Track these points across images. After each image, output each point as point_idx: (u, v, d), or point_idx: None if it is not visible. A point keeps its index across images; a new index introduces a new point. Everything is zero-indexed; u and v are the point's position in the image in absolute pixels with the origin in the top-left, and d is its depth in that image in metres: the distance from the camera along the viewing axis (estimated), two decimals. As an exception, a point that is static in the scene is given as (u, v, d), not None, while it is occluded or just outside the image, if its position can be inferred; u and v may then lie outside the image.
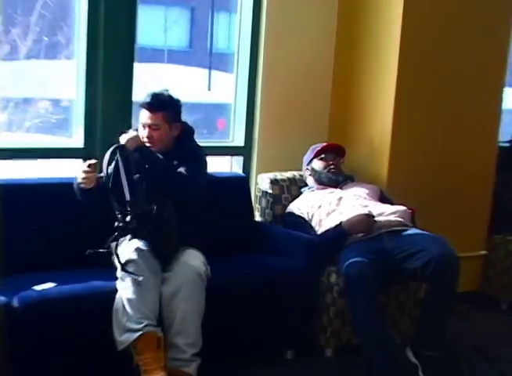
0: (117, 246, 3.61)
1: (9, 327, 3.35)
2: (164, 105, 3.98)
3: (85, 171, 3.71)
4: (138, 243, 3.61)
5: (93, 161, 3.74)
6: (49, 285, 3.56)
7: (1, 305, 3.37)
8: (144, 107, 3.97)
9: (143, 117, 3.98)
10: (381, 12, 4.87)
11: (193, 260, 3.69)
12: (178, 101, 4.07)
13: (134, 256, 3.52)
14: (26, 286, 3.52)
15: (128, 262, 3.52)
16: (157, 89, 4.04)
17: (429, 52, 4.88)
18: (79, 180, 3.74)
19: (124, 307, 3.46)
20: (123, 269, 3.51)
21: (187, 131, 4.14)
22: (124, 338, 3.45)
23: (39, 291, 3.51)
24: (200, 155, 4.14)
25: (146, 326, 3.44)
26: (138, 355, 3.44)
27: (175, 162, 3.96)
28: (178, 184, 3.88)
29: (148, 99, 3.96)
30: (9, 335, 3.35)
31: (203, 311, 3.61)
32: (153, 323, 3.49)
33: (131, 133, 3.85)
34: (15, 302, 3.40)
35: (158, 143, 3.96)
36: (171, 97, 4.03)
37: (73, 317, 3.49)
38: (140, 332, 3.42)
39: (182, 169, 3.91)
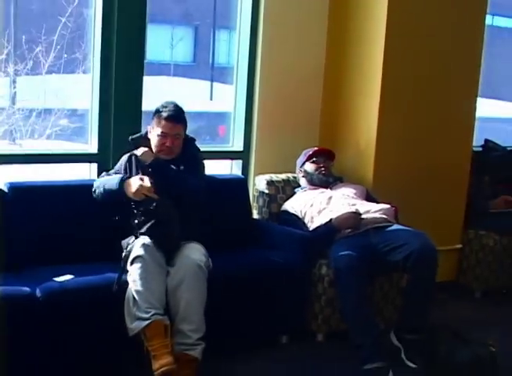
0: (127, 245, 3.68)
1: (32, 316, 3.34)
2: (183, 117, 4.00)
3: (147, 189, 3.71)
4: (144, 239, 3.61)
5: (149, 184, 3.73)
6: (68, 277, 3.55)
7: (25, 295, 3.36)
8: (168, 119, 3.92)
9: (166, 127, 3.92)
10: (366, 29, 4.86)
11: (194, 253, 3.68)
12: None
13: (141, 252, 3.52)
14: (46, 278, 3.51)
15: (135, 257, 3.52)
16: (170, 101, 4.02)
17: (410, 66, 4.87)
18: (133, 190, 3.72)
19: (134, 298, 3.46)
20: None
21: (190, 139, 4.13)
22: (134, 326, 3.44)
23: (60, 282, 3.50)
24: (201, 161, 4.16)
25: (153, 314, 3.43)
26: (148, 341, 3.43)
27: (182, 167, 3.96)
28: (186, 189, 3.90)
29: (172, 112, 3.93)
30: (32, 323, 3.34)
31: (205, 299, 3.59)
32: (161, 312, 3.48)
33: (142, 149, 3.90)
34: (38, 292, 3.39)
35: (176, 151, 3.98)
36: (183, 109, 4.03)
37: (90, 306, 3.49)
38: (149, 321, 3.41)
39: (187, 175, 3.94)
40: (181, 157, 4.00)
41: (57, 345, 3.44)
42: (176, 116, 3.94)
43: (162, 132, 3.92)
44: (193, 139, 4.15)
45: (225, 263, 3.92)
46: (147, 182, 3.73)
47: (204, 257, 3.72)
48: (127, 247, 3.68)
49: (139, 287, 3.46)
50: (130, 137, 4.05)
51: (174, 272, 3.59)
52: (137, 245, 3.58)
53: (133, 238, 3.72)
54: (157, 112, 3.97)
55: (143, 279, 3.48)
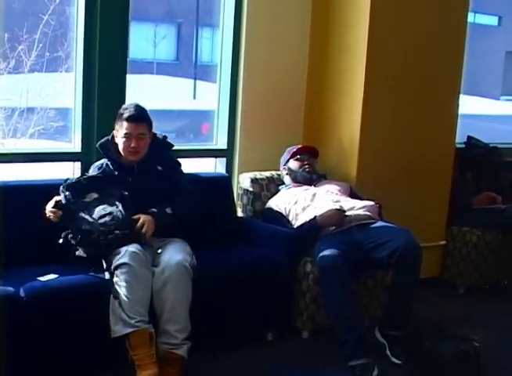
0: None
1: (15, 316, 3.32)
2: (146, 116, 3.95)
3: (52, 211, 3.68)
4: (130, 247, 3.59)
5: (59, 198, 3.69)
6: (52, 276, 3.54)
7: (9, 295, 3.34)
8: (130, 120, 3.86)
9: (129, 128, 3.87)
10: (349, 28, 4.86)
11: (178, 253, 3.67)
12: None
13: (127, 259, 3.50)
14: (30, 277, 3.49)
15: (122, 264, 3.50)
16: (132, 102, 3.99)
17: (393, 64, 4.88)
18: (48, 215, 3.70)
19: (119, 301, 3.44)
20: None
21: (162, 137, 4.09)
22: (117, 328, 3.43)
23: (43, 281, 3.48)
24: (176, 160, 4.16)
25: (138, 321, 3.42)
26: (132, 350, 3.43)
27: (159, 168, 3.97)
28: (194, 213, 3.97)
29: (133, 112, 3.88)
30: (16, 323, 3.32)
31: (190, 299, 3.59)
32: (146, 319, 3.46)
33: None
34: (22, 292, 3.38)
35: (142, 152, 3.92)
36: (144, 108, 3.97)
37: (74, 305, 3.48)
38: (133, 328, 3.41)
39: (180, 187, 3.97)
40: (153, 157, 3.98)
41: (41, 345, 3.43)
42: (137, 116, 3.89)
43: (125, 134, 3.87)
44: (165, 137, 4.12)
45: (210, 261, 3.93)
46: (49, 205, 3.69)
47: (189, 256, 3.72)
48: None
49: (126, 293, 3.44)
50: (97, 144, 4.03)
51: (159, 273, 3.57)
52: (123, 251, 3.54)
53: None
54: (119, 115, 3.92)
55: (130, 286, 3.46)
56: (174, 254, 3.65)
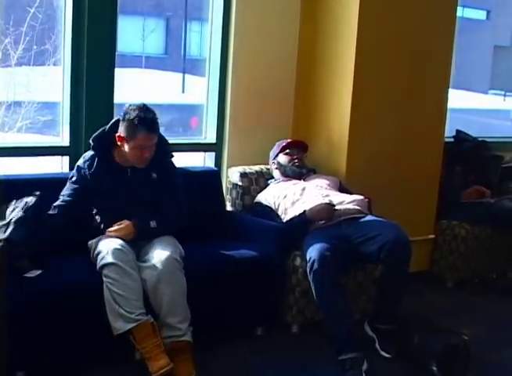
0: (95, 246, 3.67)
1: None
2: (157, 123, 3.75)
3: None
4: (112, 243, 3.59)
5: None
6: (37, 272, 3.49)
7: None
8: (146, 131, 3.65)
9: (146, 140, 3.66)
10: (338, 23, 4.85)
11: (166, 248, 3.65)
12: None
13: (111, 259, 3.49)
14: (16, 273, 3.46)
15: (107, 264, 3.49)
16: (143, 106, 3.72)
17: (382, 58, 4.88)
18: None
19: (114, 298, 3.45)
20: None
21: (161, 146, 3.88)
22: (118, 325, 3.44)
23: (30, 277, 3.46)
24: (172, 163, 4.03)
25: (138, 315, 3.44)
26: (139, 344, 3.45)
27: (154, 175, 3.84)
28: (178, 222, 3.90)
29: (149, 123, 3.66)
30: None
31: (185, 289, 3.60)
32: (143, 311, 3.48)
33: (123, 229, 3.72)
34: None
35: (149, 159, 3.78)
36: (153, 110, 3.75)
37: (64, 302, 3.48)
38: (135, 323, 3.43)
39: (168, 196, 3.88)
40: (151, 163, 3.82)
41: (32, 341, 3.43)
42: (154, 126, 3.70)
43: (140, 145, 3.67)
44: (167, 144, 3.99)
45: (199, 255, 3.93)
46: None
47: (176, 247, 3.71)
48: (95, 248, 3.67)
49: (118, 291, 3.45)
50: (92, 137, 3.86)
51: (151, 270, 3.56)
52: (105, 251, 3.54)
53: (98, 239, 3.71)
54: (131, 122, 3.65)
55: (120, 282, 3.46)
56: (163, 250, 3.64)
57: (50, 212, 3.74)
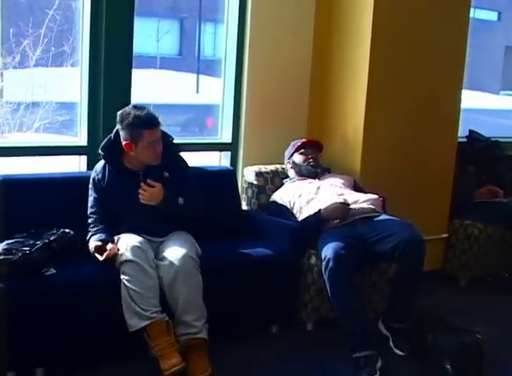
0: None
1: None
2: (157, 118, 3.73)
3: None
4: (131, 240, 3.61)
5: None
6: (52, 271, 3.51)
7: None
8: (150, 126, 3.64)
9: (153, 135, 3.66)
10: (353, 23, 4.86)
11: (182, 246, 3.67)
12: None
13: (130, 256, 3.52)
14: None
15: (126, 261, 3.52)
16: (136, 106, 3.72)
17: (396, 60, 4.88)
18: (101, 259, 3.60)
19: (130, 296, 3.47)
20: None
21: (167, 142, 3.86)
22: (134, 322, 3.47)
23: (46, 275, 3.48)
24: (185, 164, 4.01)
25: (153, 313, 3.46)
26: (153, 341, 3.47)
27: (166, 174, 3.82)
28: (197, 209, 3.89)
29: (149, 117, 3.65)
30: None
31: (201, 287, 3.61)
32: (159, 309, 3.51)
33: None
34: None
35: (160, 157, 3.78)
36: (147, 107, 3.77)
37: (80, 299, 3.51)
38: (150, 320, 3.45)
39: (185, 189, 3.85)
40: (162, 162, 3.81)
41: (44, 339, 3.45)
42: (154, 119, 3.68)
43: (150, 142, 3.67)
44: (172, 139, 3.93)
45: (215, 254, 3.94)
46: (111, 249, 3.60)
47: (193, 245, 3.73)
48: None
49: (135, 288, 3.47)
50: (100, 148, 3.82)
51: (168, 268, 3.57)
52: (124, 248, 3.56)
53: (118, 237, 3.72)
54: (131, 125, 3.63)
55: (137, 279, 3.48)
56: (179, 248, 3.65)
57: (91, 231, 3.75)
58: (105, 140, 3.87)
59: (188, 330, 3.54)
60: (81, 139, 4.45)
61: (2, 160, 4.25)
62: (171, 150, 3.89)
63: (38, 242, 3.53)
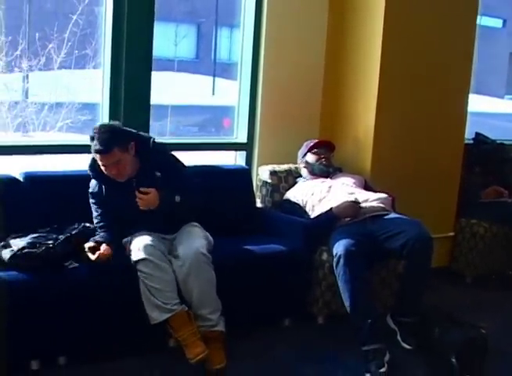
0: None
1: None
2: (113, 141, 3.59)
3: (107, 257, 3.55)
4: (143, 239, 3.60)
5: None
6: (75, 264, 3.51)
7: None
8: (98, 153, 3.59)
9: (102, 160, 3.60)
10: (364, 28, 4.86)
11: (194, 241, 3.66)
12: (116, 127, 3.72)
13: (143, 255, 3.51)
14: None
15: (137, 261, 3.52)
16: (99, 127, 3.65)
17: (407, 62, 4.87)
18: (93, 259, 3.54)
19: (149, 291, 3.47)
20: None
21: (149, 145, 3.79)
22: (155, 315, 3.47)
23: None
24: (172, 157, 3.92)
25: (174, 305, 3.47)
26: (176, 332, 3.48)
27: (158, 174, 3.76)
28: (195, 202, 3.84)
29: (98, 146, 3.56)
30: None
31: (214, 281, 3.60)
32: (178, 301, 3.51)
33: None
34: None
35: (127, 172, 3.68)
36: (110, 128, 3.66)
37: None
38: (171, 313, 3.45)
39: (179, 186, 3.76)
40: (150, 164, 3.76)
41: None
42: (103, 148, 3.56)
43: (102, 165, 3.64)
44: (154, 140, 3.83)
45: (230, 250, 3.95)
46: (104, 250, 3.55)
47: (204, 239, 3.72)
48: (129, 245, 3.67)
49: (153, 284, 3.47)
50: (88, 168, 3.77)
51: (180, 265, 3.57)
52: (137, 247, 3.56)
53: (131, 237, 3.71)
54: (92, 150, 3.63)
55: (154, 276, 3.48)
56: (190, 244, 3.64)
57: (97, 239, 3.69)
58: (90, 160, 3.77)
59: (204, 322, 3.55)
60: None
61: (27, 157, 4.28)
62: (156, 150, 3.82)
63: (61, 236, 3.55)
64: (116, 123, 3.79)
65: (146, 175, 3.75)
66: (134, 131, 3.83)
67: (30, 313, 3.33)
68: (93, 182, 3.83)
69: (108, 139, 3.58)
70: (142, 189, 3.66)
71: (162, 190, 3.68)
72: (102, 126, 3.68)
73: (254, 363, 3.73)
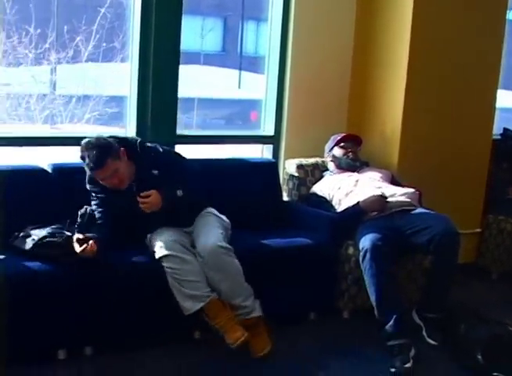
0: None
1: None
2: (106, 154, 3.55)
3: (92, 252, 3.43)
4: (163, 236, 3.61)
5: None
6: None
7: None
8: (94, 169, 3.56)
9: (100, 175, 3.58)
10: (393, 22, 4.83)
11: (210, 235, 3.65)
12: (100, 139, 3.62)
13: (165, 251, 3.52)
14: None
15: (162, 257, 3.52)
16: (87, 144, 3.57)
17: (434, 59, 4.84)
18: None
19: (179, 283, 3.49)
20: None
21: (137, 148, 3.76)
22: (188, 305, 3.49)
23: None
24: (168, 151, 3.89)
25: (206, 293, 3.49)
26: (213, 320, 3.50)
27: (155, 172, 3.73)
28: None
29: (92, 162, 3.52)
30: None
31: (240, 268, 3.60)
32: (209, 289, 3.53)
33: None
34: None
35: (126, 179, 3.66)
36: (96, 143, 3.57)
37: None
38: (204, 301, 3.47)
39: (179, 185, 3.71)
40: (145, 166, 3.74)
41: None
42: (98, 164, 3.53)
43: (102, 179, 3.62)
44: (141, 143, 3.80)
45: (257, 243, 3.97)
46: (90, 245, 3.43)
47: (220, 229, 3.71)
48: (151, 241, 3.68)
49: (181, 277, 3.49)
50: (87, 182, 3.73)
51: (201, 259, 3.57)
52: (159, 244, 3.56)
53: (153, 233, 3.71)
54: (87, 166, 3.59)
55: (181, 269, 3.50)
56: (206, 238, 3.63)
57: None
58: (87, 177, 3.73)
59: (240, 311, 3.57)
60: (129, 130, 4.48)
61: (54, 149, 4.31)
62: (145, 150, 3.78)
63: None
64: (98, 135, 3.68)
65: (143, 177, 3.72)
66: (119, 137, 3.80)
67: (56, 303, 3.37)
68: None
69: (98, 153, 3.52)
70: (142, 193, 3.63)
71: (162, 188, 3.65)
72: (88, 143, 3.58)
73: (278, 356, 3.72)
